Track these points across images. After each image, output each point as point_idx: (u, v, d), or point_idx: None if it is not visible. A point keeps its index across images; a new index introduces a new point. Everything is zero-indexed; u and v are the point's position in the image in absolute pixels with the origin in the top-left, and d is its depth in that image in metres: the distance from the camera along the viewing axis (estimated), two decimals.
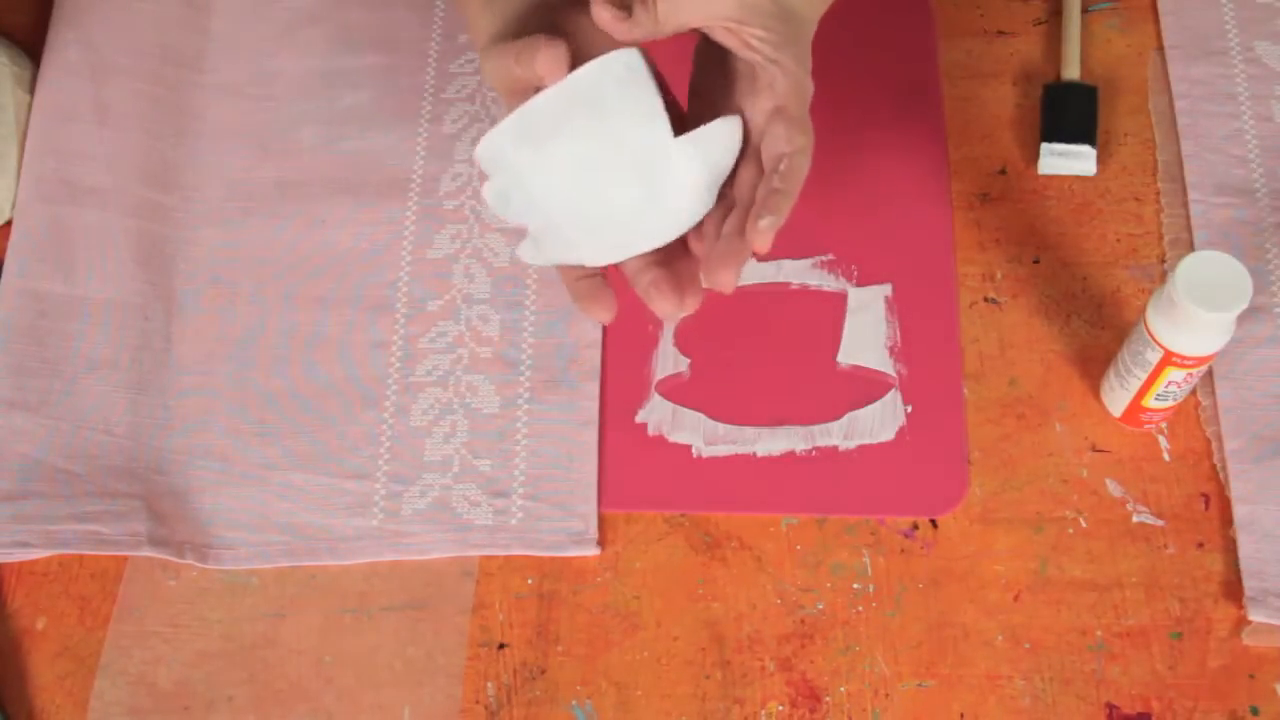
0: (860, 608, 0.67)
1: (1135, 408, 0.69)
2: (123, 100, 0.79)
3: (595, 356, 0.73)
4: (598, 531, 0.69)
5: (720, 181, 0.59)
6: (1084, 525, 0.68)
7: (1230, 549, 0.67)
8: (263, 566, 0.69)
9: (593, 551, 0.68)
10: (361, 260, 0.77)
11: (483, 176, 0.72)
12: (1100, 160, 0.78)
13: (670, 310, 0.60)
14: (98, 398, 0.73)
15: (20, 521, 0.69)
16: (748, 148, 0.60)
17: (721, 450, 0.71)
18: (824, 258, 0.76)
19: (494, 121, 0.80)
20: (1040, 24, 0.83)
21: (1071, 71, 0.80)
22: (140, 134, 0.79)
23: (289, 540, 0.69)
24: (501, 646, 0.67)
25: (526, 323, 0.75)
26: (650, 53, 0.59)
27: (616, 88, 0.56)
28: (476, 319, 0.75)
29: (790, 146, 0.58)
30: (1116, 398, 0.69)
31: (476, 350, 0.74)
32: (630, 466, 0.71)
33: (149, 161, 0.79)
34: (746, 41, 0.58)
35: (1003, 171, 0.78)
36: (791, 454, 0.71)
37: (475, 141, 0.79)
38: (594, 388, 0.72)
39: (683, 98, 0.63)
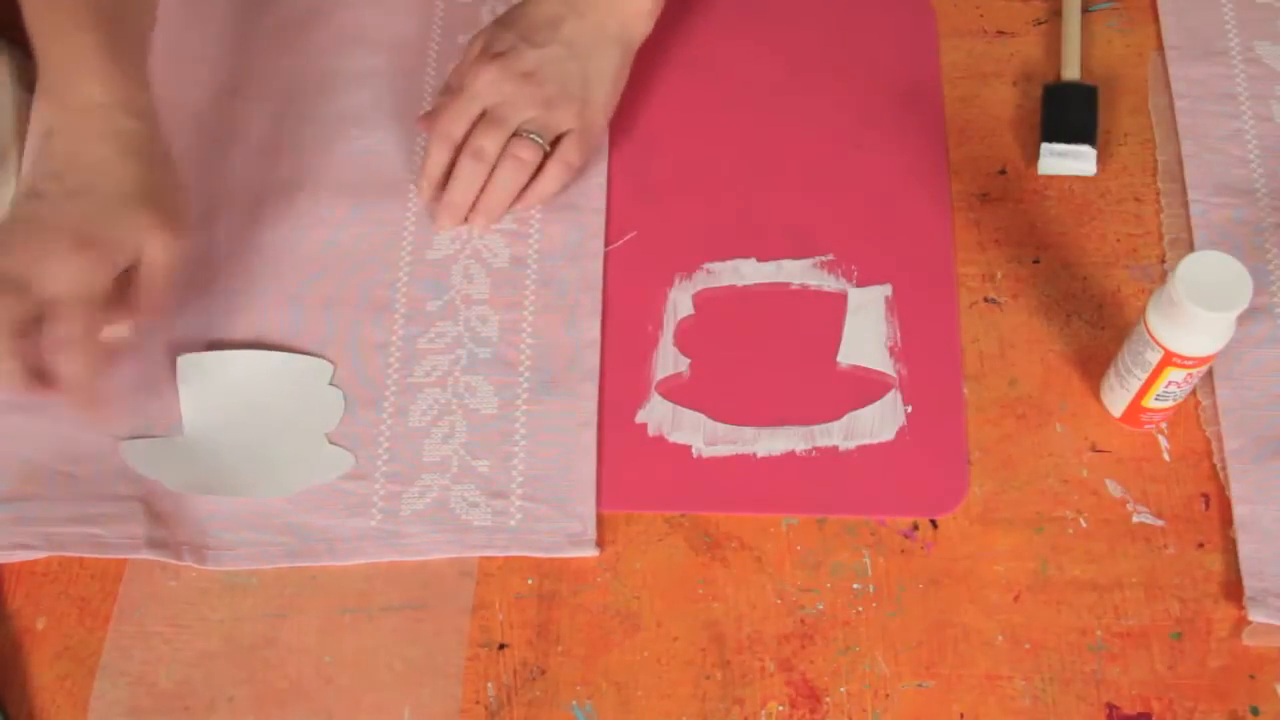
0: (860, 608, 0.67)
1: (1135, 408, 0.69)
2: None
3: (595, 356, 0.73)
4: (597, 532, 0.69)
5: None
6: (1084, 525, 0.68)
7: (1230, 549, 0.67)
8: (262, 567, 0.69)
9: (591, 552, 0.68)
10: (361, 261, 0.76)
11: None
12: (1100, 160, 0.78)
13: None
14: None
15: (19, 524, 0.69)
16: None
17: (721, 450, 0.71)
18: (824, 258, 0.76)
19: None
20: (1040, 24, 0.83)
21: (1071, 71, 0.80)
22: None
23: (288, 540, 0.69)
24: (501, 647, 0.67)
25: (525, 323, 0.74)
26: None
27: None
28: (475, 319, 0.75)
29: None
30: (1116, 398, 0.69)
31: (475, 351, 0.74)
32: (630, 467, 0.71)
33: None
34: None
35: (1003, 171, 0.78)
36: (791, 454, 0.70)
37: None
38: (593, 388, 0.72)
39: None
